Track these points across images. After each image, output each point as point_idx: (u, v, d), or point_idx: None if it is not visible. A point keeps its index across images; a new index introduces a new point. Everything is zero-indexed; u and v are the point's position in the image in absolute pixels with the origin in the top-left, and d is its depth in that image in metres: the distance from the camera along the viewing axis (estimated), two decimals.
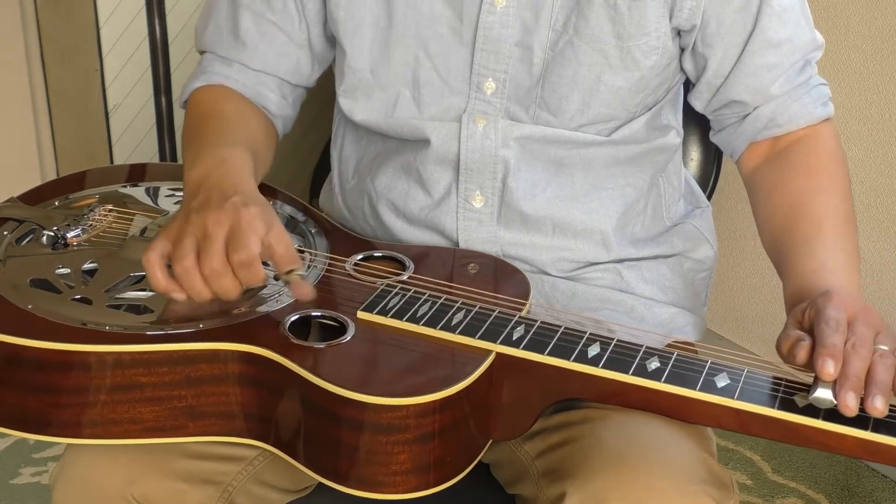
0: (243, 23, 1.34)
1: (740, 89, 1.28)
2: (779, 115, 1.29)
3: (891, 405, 0.99)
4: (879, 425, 0.99)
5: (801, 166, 1.28)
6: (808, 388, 1.01)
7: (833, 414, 0.99)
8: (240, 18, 1.34)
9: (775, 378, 1.04)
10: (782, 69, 1.27)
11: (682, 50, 1.28)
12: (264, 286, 1.15)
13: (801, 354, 1.02)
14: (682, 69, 1.31)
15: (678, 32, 1.26)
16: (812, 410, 1.00)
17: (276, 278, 1.16)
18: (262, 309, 1.13)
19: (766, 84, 1.27)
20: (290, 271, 1.10)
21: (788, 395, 1.02)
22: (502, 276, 1.23)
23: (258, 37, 1.34)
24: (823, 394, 0.99)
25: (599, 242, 1.30)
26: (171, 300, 1.12)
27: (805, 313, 1.07)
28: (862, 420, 0.99)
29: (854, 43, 2.02)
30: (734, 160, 1.35)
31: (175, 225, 1.11)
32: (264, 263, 1.10)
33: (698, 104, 1.32)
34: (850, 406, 0.98)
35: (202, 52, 1.40)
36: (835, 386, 0.99)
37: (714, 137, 1.36)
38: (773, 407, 1.01)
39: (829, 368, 0.99)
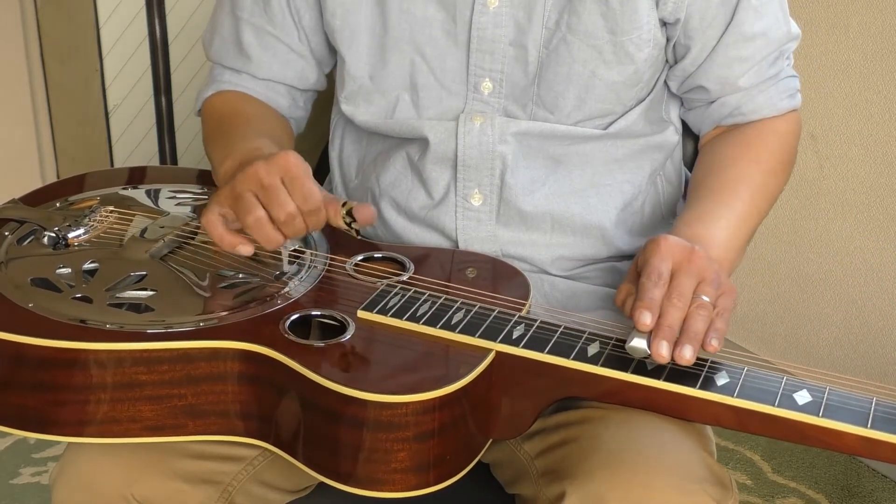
0: (245, 37, 1.36)
1: (709, 77, 1.29)
2: (744, 104, 1.31)
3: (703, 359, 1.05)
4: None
5: (740, 137, 1.31)
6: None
7: (653, 367, 1.05)
8: (242, 32, 1.37)
9: (775, 376, 1.04)
10: (753, 62, 1.28)
11: (668, 41, 1.28)
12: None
13: (627, 308, 1.09)
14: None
15: (663, 24, 1.26)
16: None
17: (277, 277, 1.17)
18: (263, 307, 1.13)
19: (736, 76, 1.29)
20: (345, 203, 1.14)
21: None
22: (502, 276, 1.23)
23: (261, 49, 1.36)
24: (638, 343, 1.05)
25: (599, 238, 1.30)
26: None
27: (637, 261, 1.12)
28: (658, 370, 1.05)
29: (854, 43, 2.03)
30: (700, 137, 1.38)
31: (224, 190, 1.15)
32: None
33: (672, 85, 1.34)
34: (662, 354, 1.04)
35: (212, 63, 1.43)
36: (651, 336, 1.04)
37: (684, 115, 1.38)
38: (773, 405, 1.01)
39: (644, 319, 1.04)
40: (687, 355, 1.04)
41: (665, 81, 1.34)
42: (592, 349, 1.07)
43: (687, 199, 1.31)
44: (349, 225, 1.15)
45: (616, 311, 1.29)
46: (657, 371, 1.05)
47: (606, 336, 1.09)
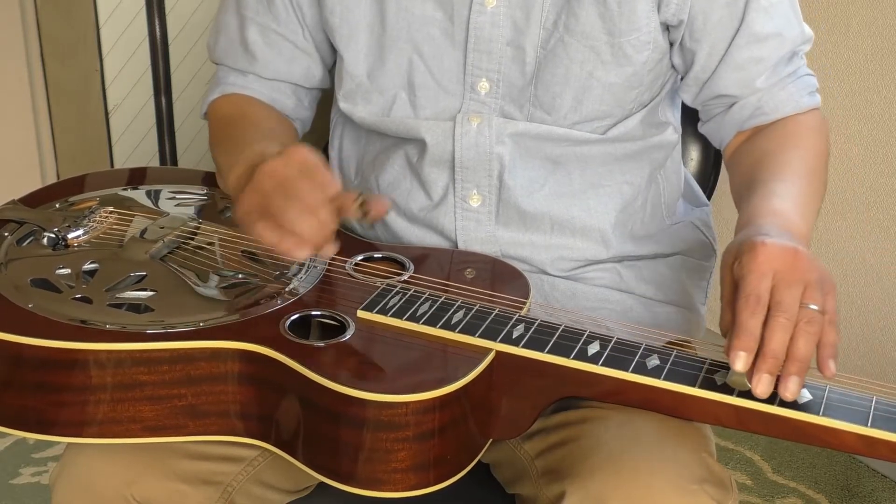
0: (250, 36, 1.36)
1: (727, 83, 1.28)
2: (765, 103, 1.29)
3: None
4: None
5: (774, 132, 1.28)
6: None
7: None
8: (247, 31, 1.37)
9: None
10: (769, 63, 1.27)
11: (672, 45, 1.28)
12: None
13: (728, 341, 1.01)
14: (672, 64, 1.31)
15: (667, 27, 1.26)
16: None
17: (277, 277, 1.17)
18: (263, 307, 1.13)
19: (753, 77, 1.28)
20: (359, 194, 1.12)
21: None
22: (502, 276, 1.23)
23: (266, 48, 1.36)
24: (738, 377, 0.99)
25: (598, 240, 1.30)
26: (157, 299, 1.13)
27: (733, 268, 1.04)
28: (658, 369, 1.01)
29: (854, 43, 2.03)
30: (721, 149, 1.35)
31: (247, 196, 1.13)
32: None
33: (687, 97, 1.33)
34: (763, 391, 0.98)
35: (217, 65, 1.43)
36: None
37: (702, 128, 1.36)
38: (772, 404, 1.01)
39: (738, 366, 0.98)
40: (791, 389, 0.97)
41: (678, 92, 1.33)
42: (592, 349, 1.07)
43: (742, 196, 1.23)
44: (363, 216, 1.13)
45: (616, 310, 1.30)
46: (657, 370, 1.05)
47: (606, 336, 1.09)
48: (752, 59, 1.26)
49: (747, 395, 1.00)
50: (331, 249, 1.12)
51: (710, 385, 1.03)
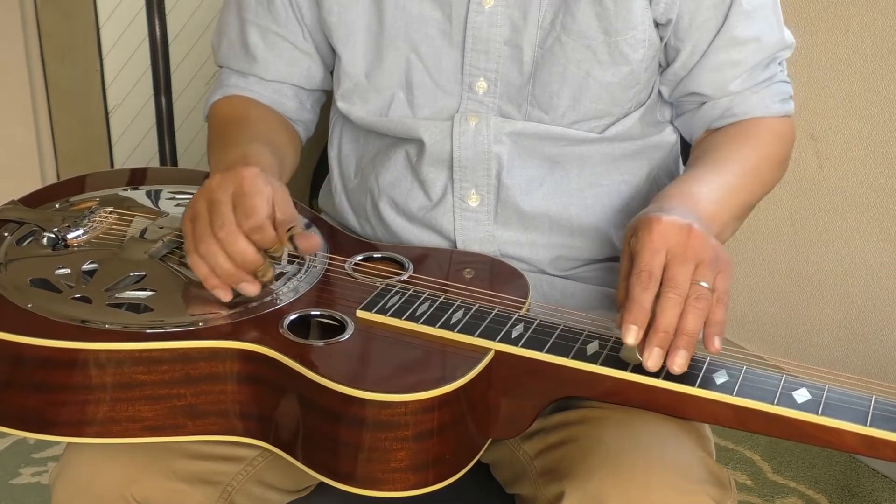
0: (251, 38, 1.37)
1: (702, 83, 1.29)
2: (736, 105, 1.30)
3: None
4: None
5: (735, 127, 1.30)
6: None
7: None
8: (248, 34, 1.37)
9: (774, 375, 1.04)
10: (745, 67, 1.28)
11: (661, 41, 1.28)
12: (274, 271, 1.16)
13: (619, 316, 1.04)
14: None
15: (657, 24, 1.26)
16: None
17: (277, 277, 1.17)
18: (262, 307, 1.13)
19: (727, 80, 1.28)
20: (290, 228, 1.11)
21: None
22: (501, 276, 1.23)
23: (266, 50, 1.36)
24: (630, 352, 1.03)
25: (597, 239, 1.30)
26: (168, 297, 1.13)
27: (630, 244, 1.08)
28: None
29: (854, 43, 2.03)
30: (691, 144, 1.37)
31: (186, 214, 1.13)
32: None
33: (664, 91, 1.33)
34: (654, 363, 1.02)
35: (220, 67, 1.44)
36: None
37: (675, 121, 1.37)
38: (772, 403, 1.01)
39: (629, 338, 1.02)
40: (679, 361, 1.02)
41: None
42: (591, 348, 1.07)
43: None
44: (294, 250, 1.12)
45: (615, 310, 1.30)
46: (656, 370, 1.05)
47: (605, 335, 1.09)
48: (730, 62, 1.27)
49: (639, 368, 1.03)
50: (250, 289, 1.11)
51: (709, 384, 1.03)
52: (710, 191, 1.19)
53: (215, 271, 1.10)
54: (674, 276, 1.03)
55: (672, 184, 1.22)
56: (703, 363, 1.05)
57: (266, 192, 1.11)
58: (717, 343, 1.04)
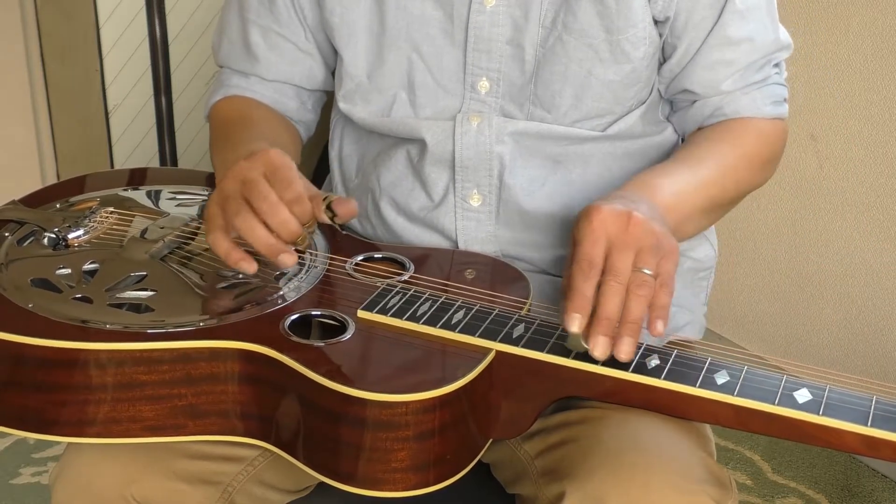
0: (252, 38, 1.37)
1: (694, 80, 1.29)
2: (726, 105, 1.29)
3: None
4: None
5: (721, 125, 1.30)
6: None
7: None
8: (249, 34, 1.37)
9: (775, 375, 1.04)
10: (738, 67, 1.27)
11: (660, 37, 1.29)
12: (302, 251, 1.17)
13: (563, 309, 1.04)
14: None
15: (656, 22, 1.26)
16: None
17: (277, 277, 1.17)
18: (263, 307, 1.13)
19: (719, 79, 1.28)
20: (326, 197, 1.13)
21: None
22: (502, 276, 1.23)
23: (268, 50, 1.36)
24: (575, 341, 1.03)
25: None
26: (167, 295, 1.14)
27: (573, 232, 1.08)
28: (658, 369, 1.03)
29: (854, 43, 2.03)
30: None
31: (213, 197, 1.15)
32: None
33: (661, 87, 1.33)
34: (601, 351, 1.02)
35: (220, 67, 1.44)
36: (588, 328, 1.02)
37: (670, 118, 1.37)
38: (773, 403, 1.01)
39: (573, 326, 1.02)
40: (625, 349, 1.02)
41: None
42: None
43: None
44: (332, 219, 1.14)
45: None
46: (657, 370, 1.05)
47: None
48: (722, 62, 1.27)
49: (585, 357, 1.04)
50: (288, 259, 1.12)
51: (710, 385, 1.03)
52: (672, 182, 1.19)
53: (257, 244, 1.11)
54: (614, 263, 1.03)
55: (636, 175, 1.21)
56: (704, 363, 1.05)
57: (294, 167, 1.13)
58: (659, 326, 1.04)
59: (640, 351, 1.07)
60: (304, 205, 1.11)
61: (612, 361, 1.05)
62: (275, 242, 1.11)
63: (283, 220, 1.11)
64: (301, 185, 1.12)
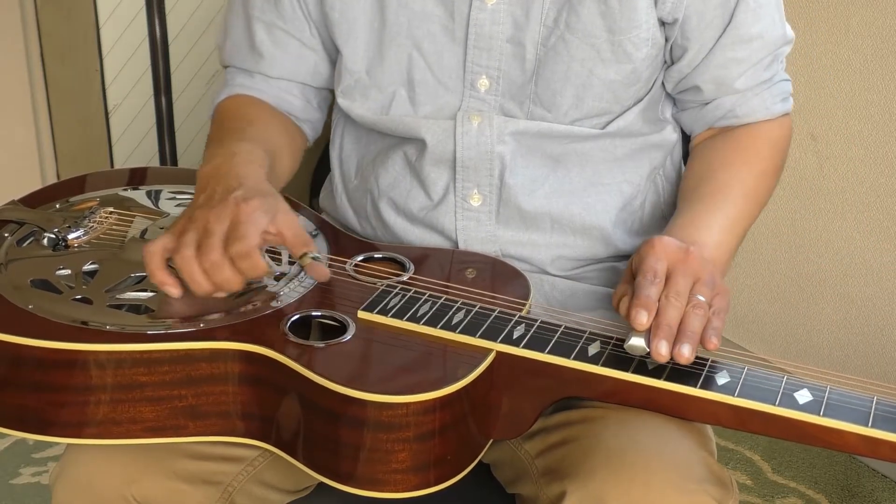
0: (257, 35, 1.36)
1: (705, 78, 1.29)
2: (738, 107, 1.30)
3: (699, 357, 1.06)
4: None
5: (732, 140, 1.31)
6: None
7: (653, 367, 1.05)
8: (254, 31, 1.36)
9: (776, 376, 1.04)
10: (749, 64, 1.28)
11: (666, 41, 1.28)
12: (270, 278, 1.17)
13: (623, 308, 1.09)
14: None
15: (662, 24, 1.26)
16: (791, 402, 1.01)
17: (278, 278, 1.17)
18: (263, 308, 1.13)
19: (733, 78, 1.29)
20: (304, 255, 1.14)
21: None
22: (502, 276, 1.23)
23: (273, 46, 1.36)
24: (637, 341, 1.05)
25: (598, 238, 1.30)
26: (170, 297, 1.13)
27: (632, 261, 1.12)
28: (659, 369, 1.05)
29: (854, 43, 2.03)
30: (691, 136, 1.38)
31: (180, 222, 1.14)
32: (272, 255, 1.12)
33: (668, 86, 1.33)
34: (662, 353, 1.04)
35: (226, 67, 1.43)
36: (649, 334, 1.05)
37: (677, 115, 1.37)
38: (774, 404, 1.01)
39: (641, 319, 1.05)
40: (686, 353, 1.04)
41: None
42: (593, 349, 1.07)
43: (679, 202, 1.30)
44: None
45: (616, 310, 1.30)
46: (658, 371, 1.05)
47: (607, 336, 1.09)
48: (735, 60, 1.28)
49: (642, 366, 1.05)
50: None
51: (710, 385, 1.03)
52: (710, 234, 1.21)
53: (191, 286, 1.12)
54: (675, 283, 1.07)
55: (673, 226, 1.23)
56: (705, 364, 1.06)
57: (262, 224, 1.12)
58: (714, 340, 1.07)
59: None
60: (251, 260, 1.10)
61: (612, 363, 1.06)
62: (208, 289, 1.12)
63: (224, 279, 1.11)
64: (255, 240, 1.10)
